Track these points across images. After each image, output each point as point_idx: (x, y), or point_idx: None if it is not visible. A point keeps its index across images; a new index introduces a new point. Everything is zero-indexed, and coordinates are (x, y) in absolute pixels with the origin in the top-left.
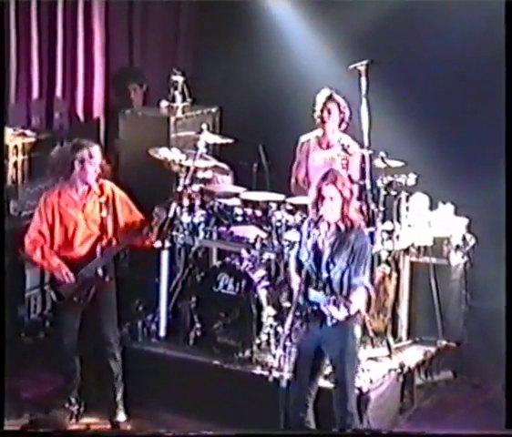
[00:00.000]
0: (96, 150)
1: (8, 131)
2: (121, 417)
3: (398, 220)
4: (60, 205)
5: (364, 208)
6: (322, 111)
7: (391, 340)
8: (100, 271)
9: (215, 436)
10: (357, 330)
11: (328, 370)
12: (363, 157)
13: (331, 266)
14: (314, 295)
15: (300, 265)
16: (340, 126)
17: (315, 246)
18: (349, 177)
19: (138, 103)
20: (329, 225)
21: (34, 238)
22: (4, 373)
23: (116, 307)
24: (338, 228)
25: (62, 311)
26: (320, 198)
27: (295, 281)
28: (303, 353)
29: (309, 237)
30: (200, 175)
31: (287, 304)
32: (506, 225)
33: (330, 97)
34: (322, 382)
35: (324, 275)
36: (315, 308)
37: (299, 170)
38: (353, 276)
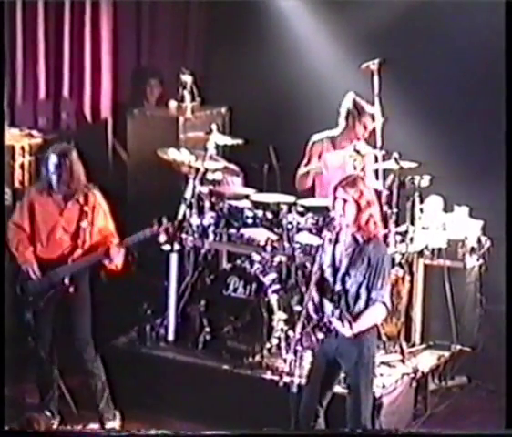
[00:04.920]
0: (70, 155)
1: (15, 132)
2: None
3: (412, 222)
4: (41, 203)
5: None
6: (355, 121)
7: (404, 344)
8: (66, 280)
9: (215, 436)
10: (373, 343)
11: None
12: (375, 157)
13: (346, 278)
14: (328, 306)
15: (322, 276)
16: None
17: (333, 255)
18: (375, 190)
19: (152, 101)
20: (346, 235)
21: (15, 227)
22: (4, 376)
23: (88, 323)
24: (355, 239)
25: (35, 321)
26: (334, 198)
27: (314, 291)
28: (317, 363)
29: (324, 240)
30: (210, 176)
31: (298, 308)
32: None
33: (363, 111)
34: (336, 388)
35: (338, 287)
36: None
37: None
38: (371, 289)
